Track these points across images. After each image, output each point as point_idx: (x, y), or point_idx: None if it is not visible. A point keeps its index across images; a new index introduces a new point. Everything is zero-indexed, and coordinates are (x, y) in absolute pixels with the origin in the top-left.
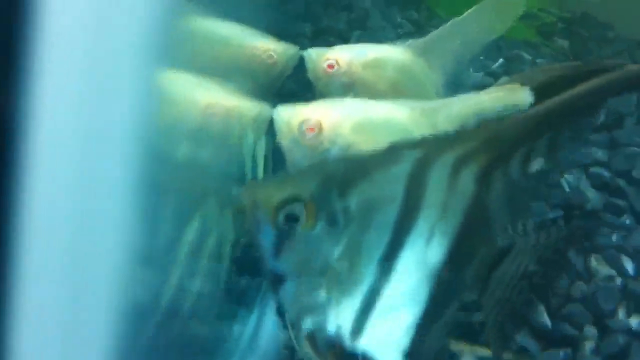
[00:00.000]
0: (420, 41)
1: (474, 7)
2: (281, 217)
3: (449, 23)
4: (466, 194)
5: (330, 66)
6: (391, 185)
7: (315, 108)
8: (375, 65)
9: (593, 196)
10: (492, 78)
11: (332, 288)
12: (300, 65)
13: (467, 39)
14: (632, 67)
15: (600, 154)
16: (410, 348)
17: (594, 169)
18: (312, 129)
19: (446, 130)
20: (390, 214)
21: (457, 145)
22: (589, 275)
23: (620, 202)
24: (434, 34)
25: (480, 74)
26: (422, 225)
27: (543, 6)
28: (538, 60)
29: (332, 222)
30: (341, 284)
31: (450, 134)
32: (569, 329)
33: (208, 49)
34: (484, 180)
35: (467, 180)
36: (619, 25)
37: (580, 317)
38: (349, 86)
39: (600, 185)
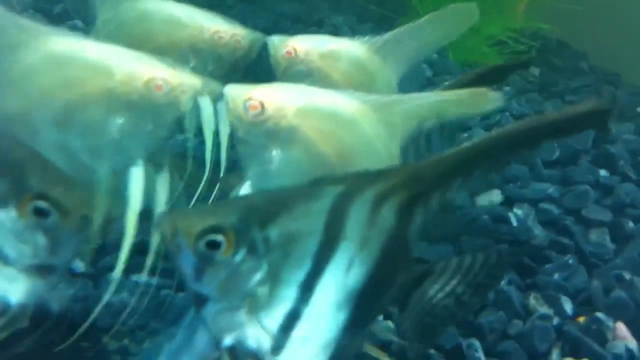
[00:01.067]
0: (377, 39)
1: (430, 14)
2: (201, 245)
3: (405, 26)
4: (386, 227)
5: (289, 53)
6: (311, 219)
7: (263, 89)
8: (331, 56)
9: (540, 233)
10: None
11: (253, 309)
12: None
13: (421, 42)
14: (551, 115)
15: (552, 190)
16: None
17: (544, 205)
18: (255, 107)
19: (369, 168)
20: (310, 245)
21: (378, 182)
22: (526, 313)
23: (566, 241)
24: (390, 34)
25: None
26: (341, 256)
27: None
28: (505, 88)
29: (252, 251)
30: (262, 306)
31: (371, 172)
32: None
33: (165, 29)
34: (404, 214)
35: (388, 214)
36: (594, 55)
37: (515, 355)
38: (305, 74)
39: (548, 222)
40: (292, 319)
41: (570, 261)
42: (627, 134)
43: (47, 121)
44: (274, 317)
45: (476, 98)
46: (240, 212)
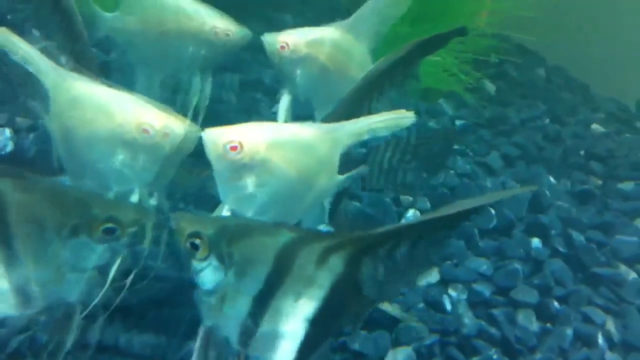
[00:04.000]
0: (346, 21)
1: None
2: (187, 244)
3: (366, 4)
4: (334, 272)
5: (282, 47)
6: (264, 250)
7: (236, 130)
8: (315, 43)
9: (469, 321)
10: None
11: (220, 305)
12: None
13: (381, 14)
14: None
15: (485, 267)
16: None
17: (476, 286)
18: (234, 148)
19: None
20: (261, 270)
21: (326, 239)
22: None
23: (493, 331)
24: (356, 15)
25: None
26: (288, 287)
27: None
28: (458, 122)
29: (220, 259)
30: (226, 305)
31: (320, 233)
32: None
33: (175, 20)
34: (353, 262)
35: (336, 262)
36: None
37: None
38: (297, 61)
39: (479, 304)
40: (252, 324)
41: (494, 357)
42: (561, 198)
43: None
44: (236, 318)
45: (396, 119)
46: (217, 226)
